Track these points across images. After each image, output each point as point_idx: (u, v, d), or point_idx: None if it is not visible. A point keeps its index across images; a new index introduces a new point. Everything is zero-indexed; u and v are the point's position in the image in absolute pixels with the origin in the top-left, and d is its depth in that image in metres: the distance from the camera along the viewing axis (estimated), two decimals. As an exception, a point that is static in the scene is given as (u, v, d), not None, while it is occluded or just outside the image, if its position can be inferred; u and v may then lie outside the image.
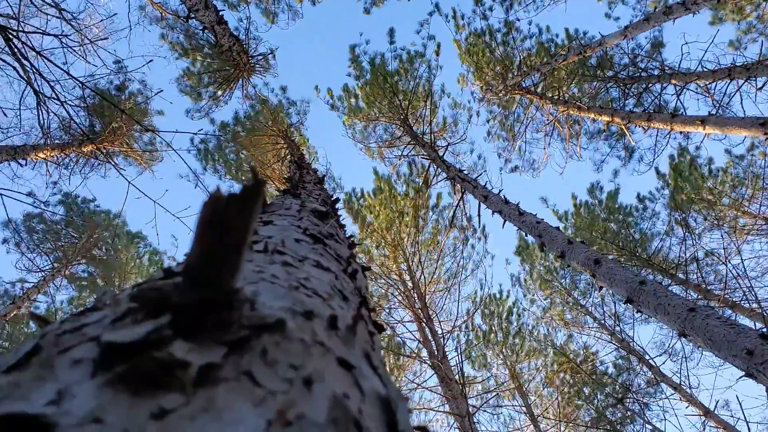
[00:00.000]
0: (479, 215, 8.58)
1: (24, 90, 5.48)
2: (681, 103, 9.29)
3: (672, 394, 9.77)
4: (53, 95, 5.13)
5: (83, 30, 6.37)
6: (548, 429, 10.03)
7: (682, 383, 8.98)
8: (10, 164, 8.60)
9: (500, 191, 7.65)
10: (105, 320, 0.49)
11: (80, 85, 4.72)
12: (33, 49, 4.88)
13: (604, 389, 10.57)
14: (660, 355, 9.79)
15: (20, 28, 5.46)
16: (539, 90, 11.57)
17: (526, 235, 6.92)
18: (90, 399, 0.35)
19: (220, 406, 0.37)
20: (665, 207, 11.27)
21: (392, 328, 9.56)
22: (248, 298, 0.54)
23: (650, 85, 10.17)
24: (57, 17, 5.96)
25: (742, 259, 7.43)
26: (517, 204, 7.04)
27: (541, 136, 12.06)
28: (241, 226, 0.46)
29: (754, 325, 8.71)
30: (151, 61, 5.40)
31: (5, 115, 5.39)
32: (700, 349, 8.67)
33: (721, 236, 10.17)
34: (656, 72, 10.16)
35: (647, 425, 9.17)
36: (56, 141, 9.29)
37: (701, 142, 8.75)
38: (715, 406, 8.10)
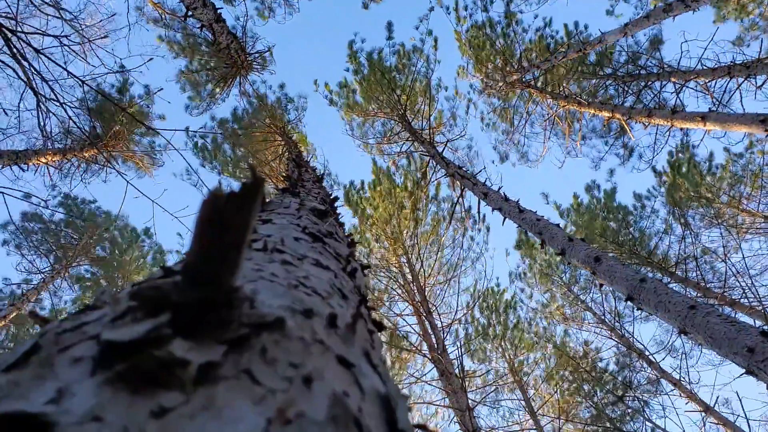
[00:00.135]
0: (479, 212, 8.58)
1: (23, 91, 5.48)
2: (680, 101, 9.28)
3: (672, 390, 9.79)
4: (52, 96, 5.12)
5: (82, 30, 6.36)
6: (547, 425, 10.03)
7: (682, 379, 9.00)
8: (12, 168, 8.64)
9: (500, 188, 7.64)
10: (104, 319, 0.49)
11: (80, 83, 4.71)
12: (31, 46, 4.87)
13: (604, 386, 10.58)
14: (659, 352, 9.80)
15: (20, 28, 5.45)
16: (539, 84, 11.56)
17: (526, 233, 6.91)
18: (90, 397, 0.35)
19: (220, 404, 0.37)
20: (664, 205, 11.28)
21: (392, 323, 9.55)
22: (248, 296, 0.54)
23: (650, 82, 10.16)
24: (56, 17, 5.95)
25: (743, 256, 7.44)
26: (517, 201, 7.03)
27: (540, 130, 12.06)
28: (240, 225, 0.46)
29: (754, 322, 8.72)
30: (150, 59, 5.38)
31: (6, 114, 5.39)
32: (700, 346, 8.68)
33: (721, 234, 10.18)
34: (656, 70, 10.15)
35: (647, 423, 9.18)
36: (57, 145, 9.30)
37: (701, 140, 8.78)
38: (715, 403, 8.11)
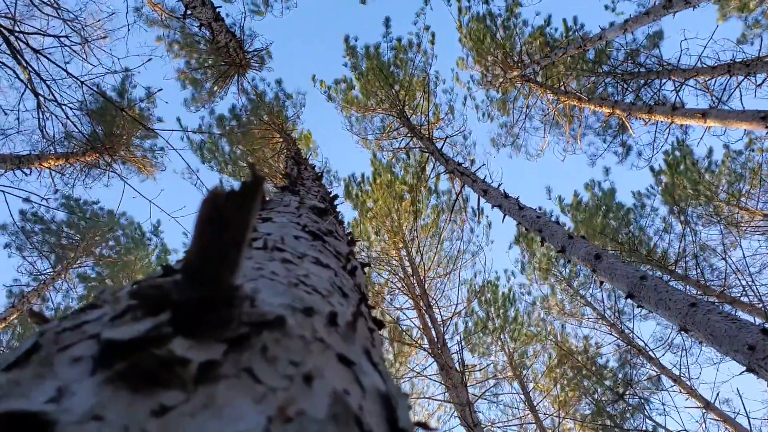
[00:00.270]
0: (479, 209, 8.57)
1: (23, 92, 5.48)
2: (680, 98, 9.29)
3: (672, 386, 9.79)
4: (51, 96, 5.12)
5: (82, 30, 6.36)
6: (547, 419, 10.03)
7: (683, 376, 8.99)
8: (14, 173, 8.68)
9: (500, 185, 7.62)
10: (104, 318, 0.49)
11: (79, 83, 4.71)
12: (30, 47, 4.87)
13: (604, 383, 10.58)
14: (659, 348, 9.80)
15: (19, 29, 5.45)
16: (539, 79, 11.55)
17: (526, 229, 6.90)
18: (90, 396, 0.35)
19: (221, 403, 0.37)
20: (663, 203, 11.27)
21: (393, 317, 9.54)
22: (248, 295, 0.54)
23: (649, 80, 10.15)
24: (54, 17, 5.95)
25: (743, 255, 7.44)
26: (517, 198, 7.02)
27: (540, 125, 12.06)
28: (240, 223, 0.46)
29: (754, 320, 8.71)
30: (149, 60, 5.39)
31: (5, 113, 5.38)
32: (701, 344, 8.68)
33: (720, 232, 10.17)
34: (655, 68, 10.15)
35: (648, 421, 9.18)
36: (58, 148, 9.32)
37: (701, 138, 8.75)
38: (716, 399, 8.09)
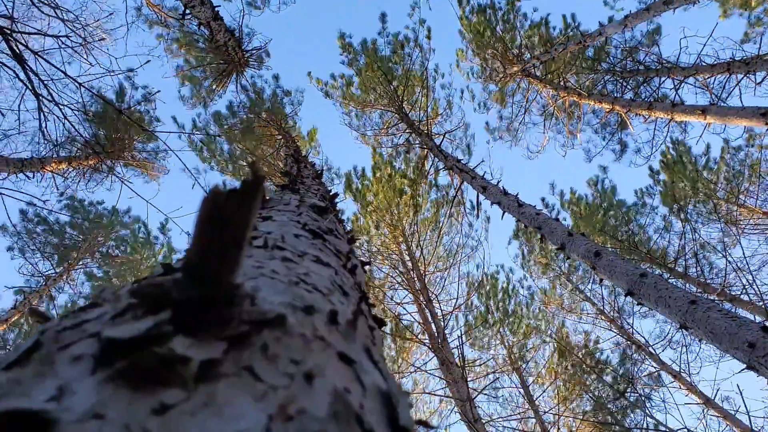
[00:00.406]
0: (477, 204, 8.55)
1: (24, 92, 5.47)
2: (679, 96, 9.27)
3: (671, 382, 9.79)
4: (49, 96, 5.12)
5: (80, 30, 6.35)
6: (547, 413, 10.02)
7: (683, 371, 8.99)
8: (17, 176, 8.70)
9: (499, 182, 7.61)
10: (105, 316, 0.49)
11: (77, 85, 4.71)
12: (28, 48, 4.86)
13: (605, 381, 10.58)
14: (658, 343, 9.81)
15: (19, 29, 5.44)
16: (539, 74, 11.54)
17: (525, 226, 6.90)
18: (90, 395, 0.35)
19: (221, 401, 0.37)
20: (662, 201, 11.27)
21: (394, 313, 9.52)
22: (248, 293, 0.54)
23: (648, 78, 10.15)
24: (52, 16, 5.94)
25: (743, 254, 7.44)
26: (516, 195, 7.01)
27: (540, 120, 12.04)
28: (240, 222, 0.46)
29: (755, 318, 8.72)
30: (148, 62, 5.39)
31: (2, 115, 5.38)
32: (701, 341, 8.69)
33: (720, 230, 10.18)
34: (654, 66, 10.14)
35: (649, 419, 9.18)
36: (61, 151, 9.32)
37: (700, 136, 8.75)
38: (716, 395, 8.09)
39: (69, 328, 0.48)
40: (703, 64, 9.00)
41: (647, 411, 9.33)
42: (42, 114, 5.48)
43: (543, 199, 11.73)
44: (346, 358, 0.53)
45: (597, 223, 11.24)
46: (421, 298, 9.21)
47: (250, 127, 9.89)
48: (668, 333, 9.44)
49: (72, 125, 5.21)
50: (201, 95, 10.25)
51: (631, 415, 10.29)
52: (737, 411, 8.59)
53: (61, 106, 5.22)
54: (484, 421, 7.85)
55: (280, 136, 9.78)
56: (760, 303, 8.27)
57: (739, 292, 9.08)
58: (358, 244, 9.84)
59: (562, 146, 12.00)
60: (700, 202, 10.89)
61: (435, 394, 9.53)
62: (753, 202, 10.44)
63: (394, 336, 9.63)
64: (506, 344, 11.06)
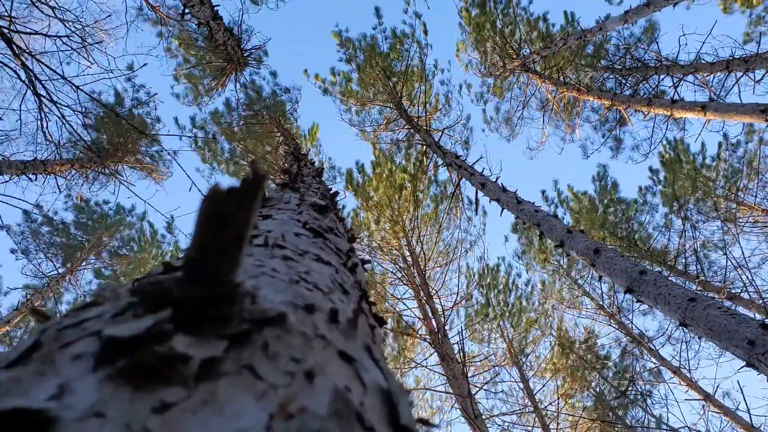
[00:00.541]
0: (477, 200, 8.55)
1: (25, 93, 5.46)
2: (678, 94, 9.27)
3: (671, 378, 9.79)
4: (49, 96, 5.10)
5: (80, 31, 6.34)
6: (548, 406, 10.02)
7: (682, 367, 8.99)
8: (20, 178, 8.70)
9: (497, 178, 7.60)
10: (105, 315, 0.49)
11: (74, 88, 4.70)
12: (26, 51, 4.85)
13: (603, 375, 10.58)
14: (657, 338, 9.81)
15: (16, 29, 5.43)
16: (538, 69, 11.53)
17: (524, 223, 6.90)
18: (91, 393, 0.35)
19: (222, 399, 0.37)
20: (662, 197, 11.27)
21: (393, 308, 9.53)
22: (249, 291, 0.54)
23: (648, 76, 10.14)
24: (51, 16, 5.93)
25: (742, 253, 7.43)
26: (515, 192, 7.00)
27: (539, 116, 12.05)
28: (240, 220, 0.46)
29: (755, 316, 8.72)
30: (144, 65, 5.40)
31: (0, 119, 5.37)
32: (700, 338, 8.69)
33: (721, 227, 10.18)
34: (653, 63, 10.13)
35: (651, 418, 9.18)
36: (64, 153, 9.32)
37: (699, 134, 8.76)
38: (716, 391, 8.09)
39: (69, 327, 0.47)
40: (703, 61, 9.00)
41: (649, 410, 9.34)
42: (43, 114, 5.48)
43: (543, 192, 11.75)
44: (346, 357, 0.53)
45: (597, 221, 11.24)
46: (422, 294, 9.21)
47: (250, 123, 9.90)
48: (667, 328, 9.45)
49: (71, 126, 5.20)
50: (200, 93, 10.26)
51: (632, 411, 10.30)
52: (738, 407, 8.61)
53: (62, 107, 5.22)
54: (484, 417, 7.86)
55: (279, 134, 9.78)
56: (760, 301, 8.27)
57: (740, 290, 9.09)
58: (358, 240, 9.85)
59: (561, 139, 12.01)
60: (699, 200, 10.89)
61: (436, 390, 9.54)
62: (752, 200, 10.45)
63: (395, 332, 9.63)
64: (506, 338, 11.06)
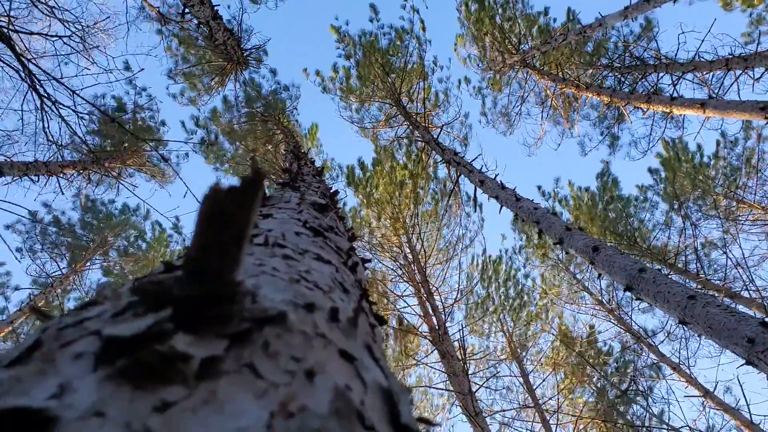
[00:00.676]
0: (475, 198, 8.55)
1: (26, 93, 5.46)
2: (677, 92, 9.27)
3: (670, 374, 9.79)
4: (54, 98, 5.10)
5: (79, 31, 6.34)
6: (549, 400, 10.03)
7: (682, 364, 8.99)
8: (22, 179, 8.70)
9: (496, 175, 7.59)
10: (106, 314, 0.49)
11: (71, 93, 4.69)
12: (22, 55, 4.85)
13: (605, 377, 10.59)
14: (657, 334, 9.81)
15: (15, 30, 5.43)
16: (537, 65, 11.52)
17: (523, 220, 6.90)
18: (92, 393, 0.35)
19: (222, 398, 0.37)
20: (661, 195, 11.26)
21: (393, 305, 9.52)
22: (249, 291, 0.54)
23: (647, 74, 10.13)
24: (52, 17, 5.93)
25: (742, 252, 7.43)
26: (514, 189, 7.00)
27: (537, 112, 12.05)
28: (241, 220, 0.46)
29: (754, 314, 8.69)
30: (142, 70, 5.43)
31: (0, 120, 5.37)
32: (700, 336, 8.69)
33: (721, 225, 10.17)
34: (652, 61, 10.12)
35: (652, 418, 9.18)
36: (66, 153, 9.32)
37: (698, 132, 8.76)
38: (715, 387, 8.09)
39: (70, 326, 0.47)
40: (702, 60, 8.99)
41: (649, 409, 9.34)
42: (44, 114, 5.48)
43: (539, 187, 11.74)
44: (347, 356, 0.53)
45: (597, 218, 11.24)
46: (422, 291, 9.21)
47: (250, 121, 9.89)
48: (666, 325, 9.44)
49: (70, 126, 5.20)
50: (200, 93, 10.25)
51: (633, 408, 10.30)
52: (738, 403, 8.60)
53: (62, 108, 5.22)
54: (485, 415, 7.86)
55: (279, 131, 9.78)
56: (759, 299, 8.27)
57: (740, 289, 9.08)
58: (359, 238, 9.85)
59: (559, 135, 12.01)
60: (699, 198, 10.89)
61: (436, 388, 9.55)
62: (751, 198, 10.44)
63: (396, 330, 9.63)
64: (506, 332, 11.07)
